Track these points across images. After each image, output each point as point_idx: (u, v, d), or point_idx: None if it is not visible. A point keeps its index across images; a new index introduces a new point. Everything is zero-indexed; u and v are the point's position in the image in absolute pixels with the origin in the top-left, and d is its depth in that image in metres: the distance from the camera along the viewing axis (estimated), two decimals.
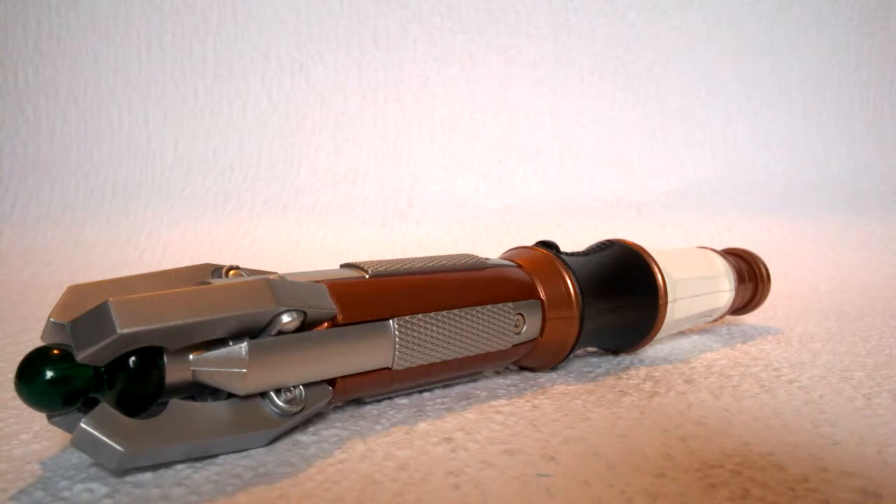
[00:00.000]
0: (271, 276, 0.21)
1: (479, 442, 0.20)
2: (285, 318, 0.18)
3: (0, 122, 0.73)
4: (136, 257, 0.65)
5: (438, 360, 0.23)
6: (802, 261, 0.67)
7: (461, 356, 0.24)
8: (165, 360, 0.17)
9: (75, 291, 0.19)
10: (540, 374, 0.28)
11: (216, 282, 0.19)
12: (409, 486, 0.17)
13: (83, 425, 0.16)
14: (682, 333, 0.36)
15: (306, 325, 0.20)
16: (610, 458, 0.19)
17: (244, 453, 0.19)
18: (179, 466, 0.18)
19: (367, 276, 0.22)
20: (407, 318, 0.22)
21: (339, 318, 0.20)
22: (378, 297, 0.22)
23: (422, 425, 0.22)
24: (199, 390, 0.19)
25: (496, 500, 0.16)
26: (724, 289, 0.34)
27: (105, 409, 0.16)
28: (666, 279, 0.29)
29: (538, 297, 0.26)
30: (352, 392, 0.22)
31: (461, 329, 0.23)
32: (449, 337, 0.23)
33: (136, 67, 0.74)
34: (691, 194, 0.77)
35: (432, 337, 0.22)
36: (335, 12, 0.75)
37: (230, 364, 0.18)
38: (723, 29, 0.81)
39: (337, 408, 0.23)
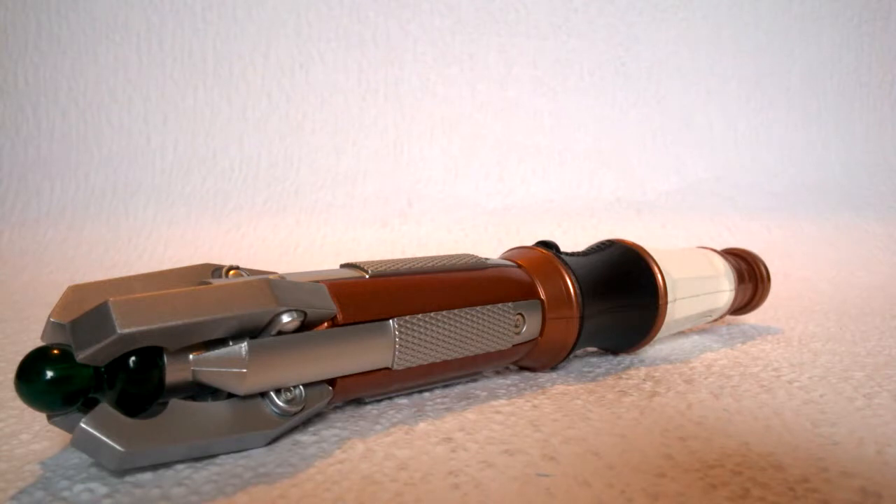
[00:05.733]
0: (271, 276, 0.21)
1: (479, 442, 0.20)
2: (285, 318, 0.18)
3: (0, 122, 0.73)
4: (136, 257, 0.65)
5: (438, 360, 0.23)
6: (802, 261, 0.67)
7: (461, 356, 0.24)
8: (165, 360, 0.17)
9: (75, 291, 0.19)
10: (540, 374, 0.28)
11: (216, 282, 0.19)
12: (409, 486, 0.17)
13: (83, 425, 0.16)
14: (682, 333, 0.36)
15: (306, 325, 0.20)
16: (610, 458, 0.19)
17: (244, 453, 0.19)
18: (179, 466, 0.18)
19: (367, 276, 0.22)
20: (407, 318, 0.22)
21: (339, 318, 0.20)
22: (378, 297, 0.22)
23: (422, 425, 0.22)
24: (199, 390, 0.19)
25: (496, 500, 0.16)
26: (724, 289, 0.34)
27: (105, 409, 0.16)
28: (666, 279, 0.29)
29: (538, 297, 0.26)
30: (352, 392, 0.22)
31: (461, 329, 0.23)
32: (449, 337, 0.23)
33: (136, 67, 0.74)
34: (691, 194, 0.77)
35: (432, 337, 0.22)
36: (335, 12, 0.75)
37: (230, 364, 0.18)
38: (723, 29, 0.81)
39: (337, 408, 0.23)
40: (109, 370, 0.17)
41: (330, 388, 0.21)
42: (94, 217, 0.69)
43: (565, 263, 0.27)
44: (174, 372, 0.18)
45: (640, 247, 0.30)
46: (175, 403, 0.18)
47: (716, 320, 0.37)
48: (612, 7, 0.79)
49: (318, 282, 0.21)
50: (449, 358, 0.23)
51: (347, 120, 0.75)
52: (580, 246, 0.33)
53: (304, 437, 0.20)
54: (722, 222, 0.74)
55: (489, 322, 0.24)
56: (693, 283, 0.32)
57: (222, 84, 0.74)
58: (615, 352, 0.31)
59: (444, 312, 0.23)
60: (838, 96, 0.84)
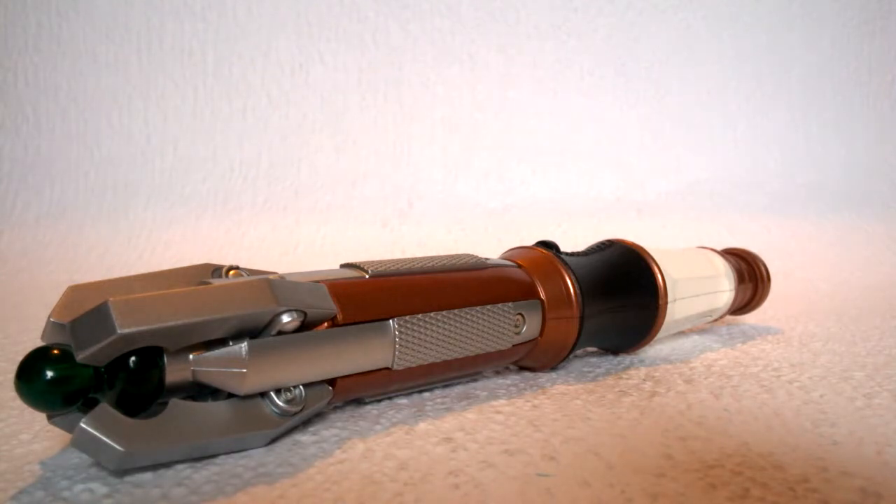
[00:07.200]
0: (271, 276, 0.21)
1: (479, 442, 0.20)
2: (285, 318, 0.18)
3: (0, 122, 0.73)
4: (135, 257, 0.65)
5: (438, 360, 0.23)
6: (802, 261, 0.67)
7: (461, 356, 0.24)
8: (165, 360, 0.17)
9: (75, 291, 0.19)
10: (540, 374, 0.28)
11: (216, 282, 0.19)
12: (409, 486, 0.17)
13: (83, 425, 0.16)
14: (682, 333, 0.36)
15: (306, 325, 0.20)
16: (610, 458, 0.19)
17: (244, 453, 0.19)
18: (179, 466, 0.18)
19: (367, 276, 0.22)
20: (407, 318, 0.22)
21: (339, 318, 0.20)
22: (378, 297, 0.22)
23: (422, 425, 0.22)
24: (199, 390, 0.19)
25: (496, 500, 0.16)
26: (724, 289, 0.34)
27: (105, 409, 0.16)
28: (666, 279, 0.29)
29: (538, 297, 0.26)
30: (352, 392, 0.22)
31: (461, 329, 0.23)
32: (449, 337, 0.23)
33: (136, 67, 0.74)
34: (691, 194, 0.77)
35: (432, 337, 0.22)
36: (335, 12, 0.75)
37: (230, 364, 0.18)
38: (723, 29, 0.81)
39: (337, 408, 0.23)
40: (109, 370, 0.17)
41: (330, 388, 0.21)
42: (94, 217, 0.69)
43: (565, 263, 0.27)
44: (174, 372, 0.18)
45: (640, 247, 0.30)
46: (175, 403, 0.18)
47: (716, 320, 0.37)
48: (612, 7, 0.79)
49: (318, 282, 0.21)
50: (449, 358, 0.23)
51: (347, 120, 0.74)
52: (580, 246, 0.33)
53: (304, 437, 0.20)
54: (722, 222, 0.74)
55: (489, 322, 0.24)
56: (693, 283, 0.32)
57: (222, 84, 0.74)
58: (615, 352, 0.31)
59: (444, 312, 0.23)
60: (838, 96, 0.84)
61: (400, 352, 0.22)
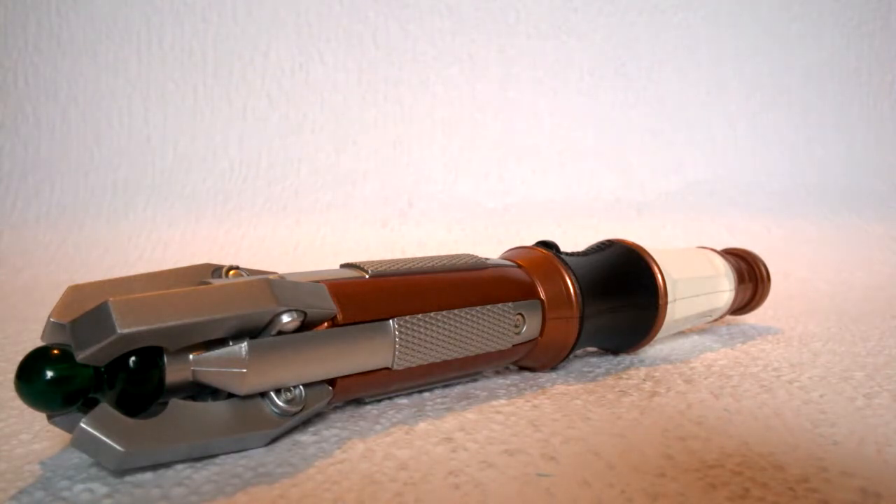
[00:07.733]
0: (271, 276, 0.21)
1: (479, 442, 0.20)
2: (285, 318, 0.18)
3: (0, 122, 0.73)
4: (136, 257, 0.65)
5: (438, 360, 0.23)
6: (802, 261, 0.67)
7: (461, 356, 0.24)
8: (165, 360, 0.17)
9: (75, 291, 0.19)
10: (540, 374, 0.28)
11: (216, 282, 0.19)
12: (409, 486, 0.17)
13: (83, 425, 0.16)
14: (682, 333, 0.36)
15: (306, 325, 0.20)
16: (610, 458, 0.19)
17: (244, 453, 0.19)
18: (179, 466, 0.18)
19: (367, 276, 0.22)
20: (407, 318, 0.22)
21: (339, 318, 0.20)
22: (378, 297, 0.22)
23: (422, 425, 0.22)
24: (199, 390, 0.19)
25: (496, 500, 0.16)
26: (723, 289, 0.34)
27: (105, 409, 0.16)
28: (666, 279, 0.29)
29: (538, 297, 0.26)
30: (352, 392, 0.22)
31: (461, 329, 0.23)
32: (449, 337, 0.23)
33: (136, 67, 0.74)
34: (691, 194, 0.77)
35: (432, 337, 0.22)
36: (335, 12, 0.75)
37: (230, 364, 0.18)
38: (723, 29, 0.81)
39: (337, 408, 0.23)
40: (109, 370, 0.17)
41: (330, 388, 0.21)
42: (94, 217, 0.69)
43: (565, 263, 0.27)
44: (174, 372, 0.18)
45: (640, 247, 0.30)
46: (175, 403, 0.18)
47: (716, 320, 0.37)
48: (612, 7, 0.79)
49: (318, 282, 0.21)
50: (449, 358, 0.23)
51: (347, 120, 0.74)
52: (580, 246, 0.33)
53: (304, 437, 0.20)
54: (722, 222, 0.74)
55: (489, 322, 0.24)
56: (693, 284, 0.32)
57: (222, 84, 0.74)
58: (615, 352, 0.31)
59: (444, 312, 0.23)
60: (838, 96, 0.84)
61: (400, 352, 0.22)
